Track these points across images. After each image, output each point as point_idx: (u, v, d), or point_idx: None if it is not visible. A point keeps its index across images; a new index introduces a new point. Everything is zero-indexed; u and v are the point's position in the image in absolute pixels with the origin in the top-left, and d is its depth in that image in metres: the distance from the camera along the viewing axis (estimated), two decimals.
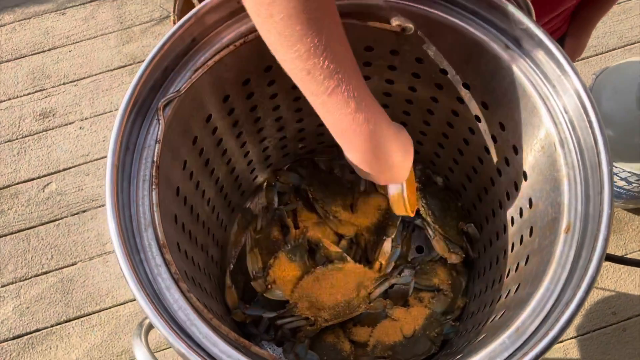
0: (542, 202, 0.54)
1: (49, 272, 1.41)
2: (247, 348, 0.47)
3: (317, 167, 0.85)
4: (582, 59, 1.57)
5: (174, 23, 0.96)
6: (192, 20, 0.53)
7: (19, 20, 1.70)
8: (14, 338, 1.35)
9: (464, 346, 0.61)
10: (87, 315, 1.36)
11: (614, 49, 1.58)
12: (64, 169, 1.52)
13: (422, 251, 0.84)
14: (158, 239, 0.49)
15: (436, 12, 0.55)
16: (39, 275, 1.41)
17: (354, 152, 0.50)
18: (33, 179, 1.51)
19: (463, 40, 0.55)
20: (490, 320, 0.58)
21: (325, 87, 0.43)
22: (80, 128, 1.56)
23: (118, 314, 1.36)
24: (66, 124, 1.57)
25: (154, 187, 0.51)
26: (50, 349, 1.34)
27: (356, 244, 0.81)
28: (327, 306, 0.74)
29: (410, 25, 0.56)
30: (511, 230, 0.64)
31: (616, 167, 1.15)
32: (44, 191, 1.49)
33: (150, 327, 0.52)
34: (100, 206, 1.47)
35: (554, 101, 0.52)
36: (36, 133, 1.56)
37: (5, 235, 1.45)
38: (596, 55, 1.58)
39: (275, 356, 0.48)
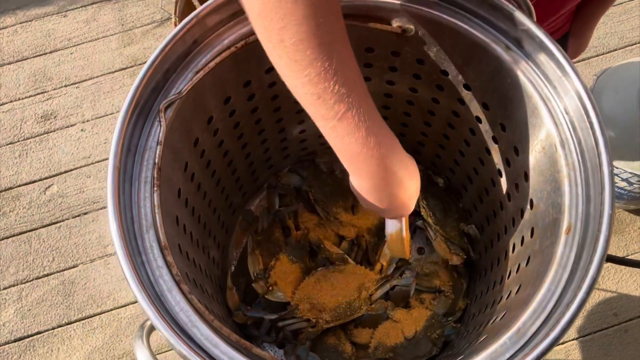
0: (543, 203, 0.54)
1: (50, 274, 1.41)
2: (249, 350, 0.47)
3: (318, 169, 0.85)
4: (583, 59, 1.57)
5: (175, 25, 0.97)
6: (194, 22, 0.53)
7: (20, 23, 1.70)
8: (15, 340, 1.35)
9: (465, 347, 0.61)
10: (88, 317, 1.36)
11: (615, 50, 1.58)
12: (66, 171, 1.52)
13: (423, 252, 0.84)
14: (159, 240, 0.49)
15: (437, 13, 0.55)
16: (40, 277, 1.41)
17: (364, 179, 0.49)
18: (34, 181, 1.51)
19: (464, 42, 0.56)
20: (491, 321, 0.58)
21: (336, 111, 0.42)
22: (81, 130, 1.57)
23: (119, 316, 1.36)
24: (67, 126, 1.57)
25: (155, 188, 0.51)
26: (52, 351, 1.34)
27: (357, 246, 0.81)
28: (328, 308, 0.74)
29: (411, 27, 0.56)
30: (512, 231, 0.64)
31: (617, 168, 1.15)
32: (45, 193, 1.49)
33: (152, 329, 0.52)
34: (101, 208, 1.47)
35: (554, 102, 0.52)
36: (38, 135, 1.56)
37: (7, 237, 1.45)
38: (597, 56, 1.58)
39: (276, 358, 0.48)
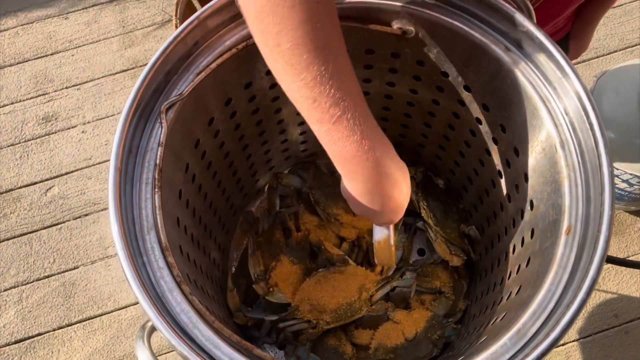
0: (543, 203, 0.54)
1: (51, 276, 1.41)
2: (250, 351, 0.47)
3: (319, 170, 0.86)
4: (583, 61, 1.57)
5: (176, 27, 0.97)
6: (195, 23, 0.53)
7: (22, 25, 1.71)
8: (15, 342, 1.35)
9: (466, 348, 0.61)
10: (89, 319, 1.36)
11: (615, 51, 1.58)
12: (67, 173, 1.52)
13: (424, 254, 0.84)
14: (160, 241, 0.50)
15: (437, 14, 0.55)
16: (41, 279, 1.41)
17: (357, 182, 0.49)
18: (35, 183, 1.51)
19: (464, 43, 0.56)
20: (491, 322, 0.58)
21: (331, 115, 0.43)
22: (82, 132, 1.57)
23: (120, 317, 1.36)
24: (69, 128, 1.57)
25: (156, 190, 0.51)
26: (52, 353, 1.34)
27: (358, 247, 0.81)
28: (329, 309, 0.74)
29: (411, 28, 0.56)
30: (512, 232, 0.64)
31: (617, 169, 1.15)
32: (46, 195, 1.50)
33: (153, 330, 0.52)
34: (102, 210, 1.47)
35: (554, 103, 0.52)
36: (39, 137, 1.56)
37: (8, 239, 1.45)
38: (597, 57, 1.58)
39: (277, 359, 0.48)
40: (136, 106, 0.52)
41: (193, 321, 0.47)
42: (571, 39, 0.93)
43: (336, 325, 0.74)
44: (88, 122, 1.58)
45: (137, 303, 1.37)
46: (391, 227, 0.61)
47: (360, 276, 0.76)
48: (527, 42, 0.53)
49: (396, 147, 0.83)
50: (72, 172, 1.52)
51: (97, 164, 1.53)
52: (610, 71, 1.19)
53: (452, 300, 0.77)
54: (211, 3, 0.54)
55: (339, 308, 0.74)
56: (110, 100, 1.60)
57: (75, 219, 1.47)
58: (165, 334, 0.45)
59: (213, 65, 0.55)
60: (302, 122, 0.76)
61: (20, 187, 1.51)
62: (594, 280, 0.44)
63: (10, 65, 1.66)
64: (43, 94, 1.61)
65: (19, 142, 1.56)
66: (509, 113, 0.58)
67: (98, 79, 1.63)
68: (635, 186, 1.17)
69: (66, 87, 1.62)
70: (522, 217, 0.61)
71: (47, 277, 1.41)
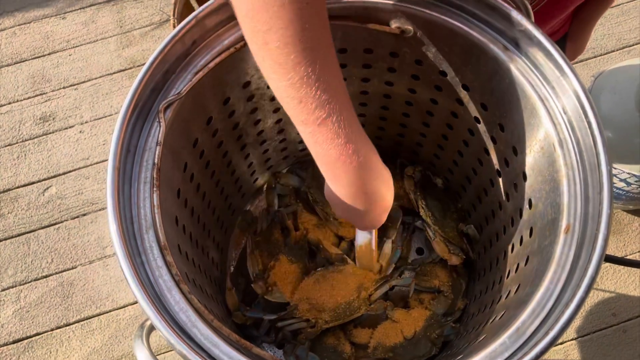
0: (542, 202, 0.54)
1: (49, 275, 1.41)
2: (249, 349, 0.47)
3: (317, 169, 0.85)
4: (581, 61, 1.58)
5: (174, 27, 0.97)
6: (193, 22, 0.53)
7: (19, 25, 1.70)
8: (13, 342, 1.34)
9: (465, 347, 0.61)
10: (87, 318, 1.36)
11: (613, 51, 1.59)
12: (64, 173, 1.52)
13: (423, 253, 0.84)
14: (159, 240, 0.49)
15: (435, 14, 0.55)
16: (38, 279, 1.40)
17: (341, 186, 0.49)
18: (33, 183, 1.51)
19: (462, 42, 0.56)
20: (490, 321, 0.58)
21: (316, 116, 0.43)
22: (80, 132, 1.57)
23: (118, 317, 1.36)
24: (66, 128, 1.57)
25: (155, 189, 0.51)
26: (50, 352, 1.33)
27: None
28: (328, 308, 0.74)
29: (410, 28, 0.56)
30: (511, 231, 0.64)
31: (615, 168, 1.15)
32: (44, 195, 1.49)
33: (152, 329, 0.52)
34: (100, 209, 1.47)
35: (552, 102, 0.52)
36: (36, 137, 1.56)
37: (5, 239, 1.45)
38: (595, 57, 1.58)
39: (276, 358, 0.48)
40: (134, 105, 0.52)
41: (192, 320, 0.47)
42: (568, 40, 0.93)
43: (335, 324, 0.74)
44: (86, 122, 1.58)
45: (135, 302, 1.37)
46: (373, 232, 0.61)
47: (359, 275, 0.76)
48: (525, 41, 0.53)
49: (395, 146, 0.84)
50: (70, 172, 1.52)
51: (94, 163, 1.53)
52: (608, 71, 1.19)
53: (451, 299, 0.77)
54: (209, 2, 0.54)
55: (337, 307, 0.74)
56: (107, 100, 1.60)
57: (73, 218, 1.46)
58: (164, 332, 0.44)
59: (211, 65, 0.55)
60: None
61: (18, 187, 1.50)
62: (593, 279, 0.44)
63: (8, 65, 1.65)
64: (40, 94, 1.61)
65: (17, 142, 1.56)
66: (507, 112, 0.58)
67: (96, 78, 1.63)
68: (633, 185, 1.17)
69: (64, 87, 1.62)
70: (520, 216, 0.61)
71: (45, 277, 1.40)
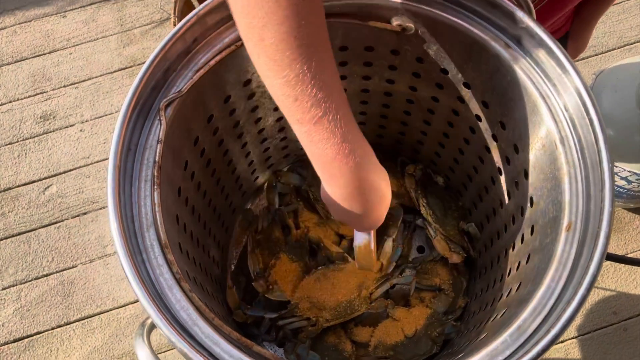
0: (543, 200, 0.54)
1: (50, 274, 1.41)
2: (250, 348, 0.47)
3: None
4: (582, 59, 1.57)
5: (175, 25, 0.97)
6: (194, 20, 0.53)
7: (19, 23, 1.70)
8: (14, 341, 1.35)
9: (466, 345, 0.61)
10: (87, 317, 1.36)
11: (614, 49, 1.58)
12: (65, 172, 1.52)
13: (423, 251, 0.84)
14: (160, 239, 0.49)
15: (436, 11, 0.55)
16: (39, 278, 1.41)
17: (337, 187, 0.48)
18: (34, 182, 1.51)
19: (463, 40, 0.56)
20: (491, 319, 0.58)
21: (312, 115, 0.42)
22: (80, 130, 1.57)
23: (119, 316, 1.36)
24: (67, 127, 1.57)
25: (155, 187, 0.51)
26: (51, 351, 1.34)
27: None
28: (329, 306, 0.74)
29: (411, 25, 0.56)
30: (512, 229, 0.64)
31: (616, 166, 1.15)
32: (44, 194, 1.49)
33: (152, 327, 0.52)
34: (100, 208, 1.47)
35: (554, 99, 0.52)
36: (37, 136, 1.56)
37: (6, 238, 1.45)
38: (595, 55, 1.58)
39: (277, 356, 0.48)
40: (135, 103, 0.52)
41: (193, 318, 0.47)
42: (570, 38, 0.93)
43: (336, 322, 0.74)
44: (86, 121, 1.58)
45: (136, 301, 1.37)
46: (372, 232, 0.60)
47: (360, 274, 0.76)
48: (526, 38, 0.53)
49: (395, 144, 0.84)
50: (71, 170, 1.52)
51: (95, 162, 1.53)
52: (609, 69, 1.19)
53: (452, 298, 0.77)
54: (209, 0, 0.54)
55: (338, 305, 0.74)
56: (108, 98, 1.60)
57: (73, 217, 1.46)
58: (165, 331, 0.44)
59: (212, 63, 0.55)
60: None
61: (19, 186, 1.50)
62: (595, 277, 0.44)
63: (8, 63, 1.65)
64: (41, 93, 1.61)
65: (17, 141, 1.56)
66: (508, 110, 0.58)
67: (96, 77, 1.63)
68: (634, 183, 1.17)
69: (64, 86, 1.62)
70: (521, 214, 0.61)
71: (46, 275, 1.41)
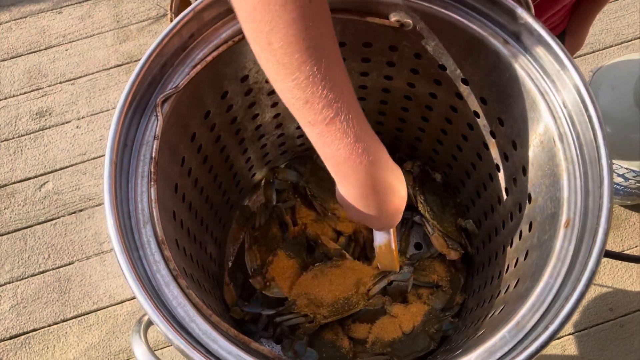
0: (542, 197, 0.54)
1: (46, 271, 1.40)
2: (247, 344, 0.47)
3: (316, 164, 0.85)
4: (579, 56, 1.57)
5: (171, 21, 0.96)
6: (190, 15, 0.53)
7: (15, 19, 1.69)
8: (10, 338, 1.34)
9: (463, 342, 0.61)
10: (84, 314, 1.36)
11: (611, 46, 1.58)
12: (61, 168, 1.51)
13: (421, 248, 0.84)
14: (157, 235, 0.49)
15: (435, 7, 0.55)
16: (35, 274, 1.40)
17: (352, 186, 0.48)
18: (30, 178, 1.50)
19: (462, 36, 0.55)
20: (489, 315, 0.58)
21: (324, 116, 0.42)
22: (77, 127, 1.56)
23: (115, 313, 1.36)
24: (63, 123, 1.56)
25: (152, 183, 0.51)
26: (47, 348, 1.33)
27: (355, 241, 0.81)
28: (326, 303, 0.74)
29: (409, 21, 0.55)
30: (510, 226, 0.64)
31: (614, 163, 1.15)
32: (40, 190, 1.49)
33: (149, 324, 0.52)
34: (97, 205, 1.47)
35: (553, 96, 0.52)
36: (33, 132, 1.55)
37: (2, 234, 1.44)
38: (593, 52, 1.58)
39: (275, 353, 0.47)
40: (131, 99, 0.52)
41: (190, 315, 0.47)
42: (567, 36, 0.93)
43: (333, 319, 0.74)
44: (82, 117, 1.57)
45: (133, 298, 1.37)
46: (391, 231, 0.60)
47: (357, 270, 0.76)
48: (525, 35, 0.53)
49: (393, 141, 0.84)
50: (67, 167, 1.51)
51: (91, 159, 1.52)
52: (606, 66, 1.19)
53: (450, 294, 0.77)
54: None
55: (336, 302, 0.74)
56: (104, 95, 1.59)
57: (70, 214, 1.46)
58: (162, 327, 0.44)
59: (209, 58, 0.55)
60: None
61: (14, 183, 1.50)
62: (593, 273, 0.44)
63: (4, 60, 1.64)
64: (37, 89, 1.60)
65: (13, 138, 1.55)
66: (507, 106, 0.57)
67: (92, 73, 1.62)
68: (631, 180, 1.18)
69: (60, 82, 1.61)
70: (520, 210, 0.60)
71: (42, 272, 1.40)
